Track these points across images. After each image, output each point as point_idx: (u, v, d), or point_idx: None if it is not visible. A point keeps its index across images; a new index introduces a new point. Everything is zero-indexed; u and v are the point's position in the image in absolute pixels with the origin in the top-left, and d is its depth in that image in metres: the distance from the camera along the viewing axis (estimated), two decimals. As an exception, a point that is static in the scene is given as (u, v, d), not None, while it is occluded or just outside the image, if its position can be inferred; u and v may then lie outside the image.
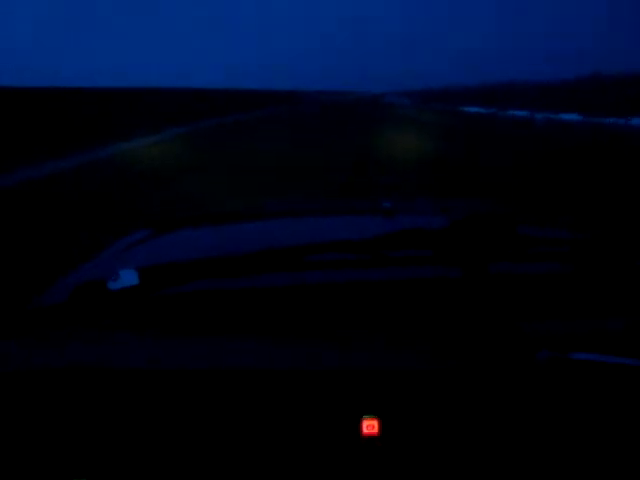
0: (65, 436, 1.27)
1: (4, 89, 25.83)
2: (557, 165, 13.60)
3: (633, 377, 1.33)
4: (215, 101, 47.09)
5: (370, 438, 1.28)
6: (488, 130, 24.35)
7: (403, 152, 15.18)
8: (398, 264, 1.78)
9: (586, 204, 8.79)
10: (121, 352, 1.49)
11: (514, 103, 43.15)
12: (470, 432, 1.30)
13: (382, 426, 1.28)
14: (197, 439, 1.31)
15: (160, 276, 1.70)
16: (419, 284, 1.69)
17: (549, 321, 1.56)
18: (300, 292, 1.69)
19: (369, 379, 1.35)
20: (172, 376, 1.38)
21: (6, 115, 21.60)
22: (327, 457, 1.28)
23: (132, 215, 10.30)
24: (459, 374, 1.35)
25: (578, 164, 13.57)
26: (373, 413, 1.29)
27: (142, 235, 2.29)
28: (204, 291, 1.69)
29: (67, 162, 19.72)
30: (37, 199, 12.95)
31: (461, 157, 15.42)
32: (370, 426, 1.28)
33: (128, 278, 1.66)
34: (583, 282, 1.73)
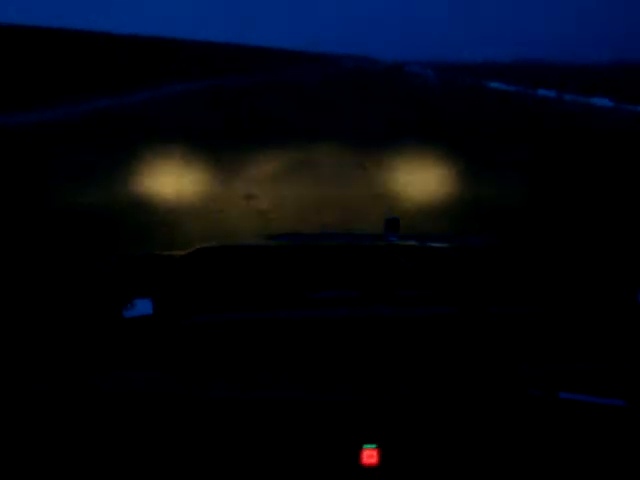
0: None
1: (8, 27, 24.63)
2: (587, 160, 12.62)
3: (618, 417, 1.43)
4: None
5: (369, 468, 1.35)
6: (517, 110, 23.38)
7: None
8: (399, 303, 1.83)
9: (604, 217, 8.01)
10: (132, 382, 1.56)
11: (543, 82, 42.05)
12: (465, 465, 1.38)
13: (382, 456, 1.35)
14: (207, 462, 1.40)
15: (174, 307, 1.76)
16: (419, 322, 1.74)
17: (541, 361, 1.59)
18: (304, 327, 1.73)
19: (370, 409, 1.40)
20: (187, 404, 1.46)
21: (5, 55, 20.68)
22: None
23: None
24: (456, 409, 1.41)
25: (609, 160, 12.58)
26: (373, 442, 1.36)
27: (158, 261, 2.41)
28: (215, 323, 1.75)
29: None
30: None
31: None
32: (370, 456, 1.35)
33: (143, 307, 1.73)
34: (575, 324, 1.76)
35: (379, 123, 17.03)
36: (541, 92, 36.30)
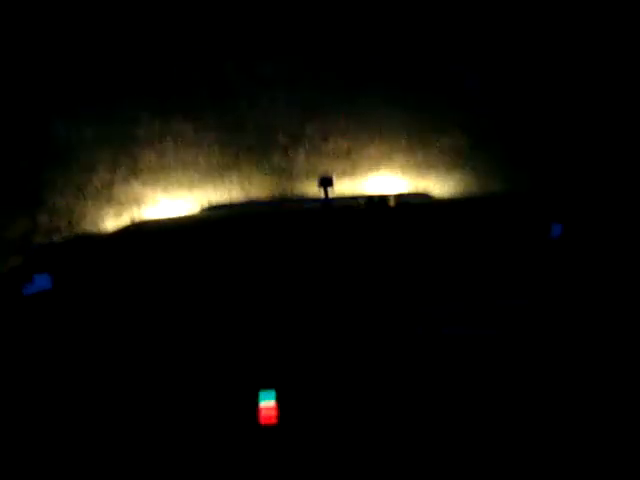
0: None
1: None
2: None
3: (492, 345, 2.42)
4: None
5: (268, 427, 2.03)
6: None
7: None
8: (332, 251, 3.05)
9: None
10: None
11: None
12: (360, 406, 2.11)
13: (281, 415, 2.05)
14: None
15: (74, 282, 2.30)
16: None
17: (431, 302, 2.63)
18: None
19: (268, 355, 2.08)
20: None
21: None
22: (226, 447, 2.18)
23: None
24: (352, 345, 2.25)
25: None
26: (270, 387, 2.07)
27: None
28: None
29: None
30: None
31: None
32: (268, 416, 2.09)
33: (41, 282, 2.34)
34: (487, 261, 2.66)
35: None
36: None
